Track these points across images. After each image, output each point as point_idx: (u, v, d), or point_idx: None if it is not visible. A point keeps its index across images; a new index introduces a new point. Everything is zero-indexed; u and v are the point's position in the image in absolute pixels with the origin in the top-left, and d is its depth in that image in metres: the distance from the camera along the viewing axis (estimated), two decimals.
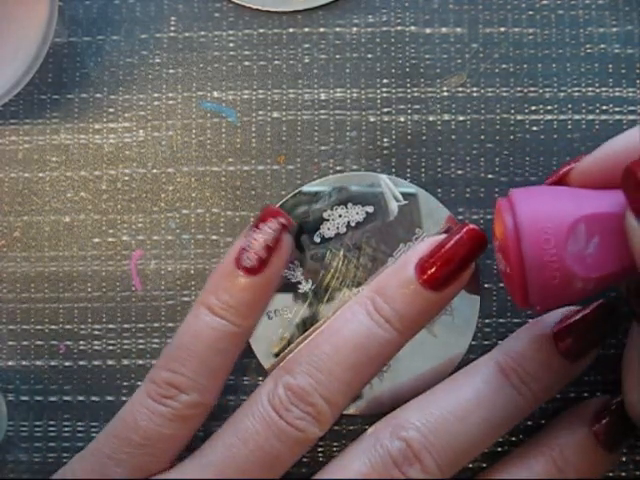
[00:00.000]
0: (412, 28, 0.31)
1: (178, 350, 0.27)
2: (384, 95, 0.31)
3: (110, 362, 0.30)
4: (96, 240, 0.31)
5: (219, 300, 0.27)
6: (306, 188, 0.30)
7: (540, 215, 0.23)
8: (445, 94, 0.30)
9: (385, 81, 0.31)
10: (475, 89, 0.30)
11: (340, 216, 0.30)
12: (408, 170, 0.30)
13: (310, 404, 0.26)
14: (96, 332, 0.30)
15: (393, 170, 0.30)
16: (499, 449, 0.29)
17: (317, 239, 0.30)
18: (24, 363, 0.30)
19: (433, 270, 0.26)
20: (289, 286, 0.30)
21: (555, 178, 0.27)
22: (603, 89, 0.30)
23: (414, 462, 0.25)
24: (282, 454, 0.26)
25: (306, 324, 0.30)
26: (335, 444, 0.30)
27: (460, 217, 0.30)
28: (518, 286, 0.24)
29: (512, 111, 0.30)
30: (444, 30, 0.31)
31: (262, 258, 0.27)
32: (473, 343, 0.30)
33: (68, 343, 0.30)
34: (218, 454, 0.26)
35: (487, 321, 0.30)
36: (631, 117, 0.30)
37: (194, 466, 0.26)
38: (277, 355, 0.30)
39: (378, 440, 0.26)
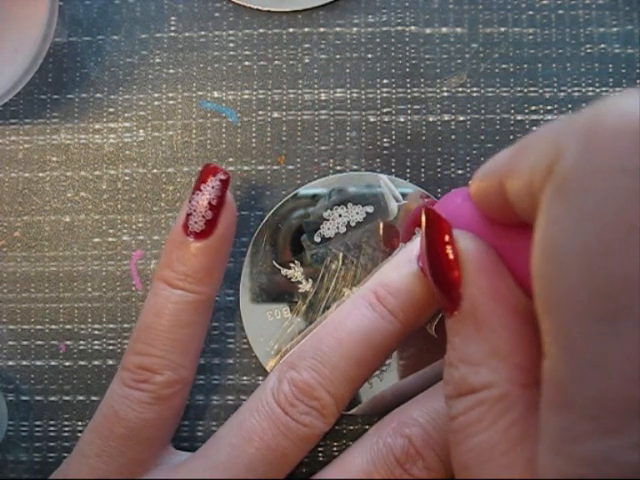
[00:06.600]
0: (412, 28, 0.31)
1: (143, 331, 0.27)
2: (384, 95, 0.31)
3: (110, 362, 0.30)
4: (96, 240, 0.31)
5: (175, 271, 0.27)
6: (303, 190, 0.30)
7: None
8: (445, 94, 0.30)
9: (385, 81, 0.31)
10: (475, 89, 0.30)
11: (340, 216, 0.30)
12: (408, 170, 0.30)
13: (315, 398, 0.26)
14: (96, 332, 0.30)
15: (393, 170, 0.30)
16: None
17: (317, 239, 0.30)
18: (24, 363, 0.30)
19: None
20: (289, 286, 0.30)
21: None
22: (603, 89, 0.30)
23: (417, 459, 0.25)
24: (289, 451, 0.26)
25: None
26: (335, 444, 0.30)
27: None
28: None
29: (512, 111, 0.30)
30: (444, 30, 0.31)
31: (209, 219, 0.26)
32: None
33: (68, 343, 0.30)
34: (224, 454, 0.26)
35: None
36: None
37: (201, 466, 0.26)
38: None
39: (380, 438, 0.26)
